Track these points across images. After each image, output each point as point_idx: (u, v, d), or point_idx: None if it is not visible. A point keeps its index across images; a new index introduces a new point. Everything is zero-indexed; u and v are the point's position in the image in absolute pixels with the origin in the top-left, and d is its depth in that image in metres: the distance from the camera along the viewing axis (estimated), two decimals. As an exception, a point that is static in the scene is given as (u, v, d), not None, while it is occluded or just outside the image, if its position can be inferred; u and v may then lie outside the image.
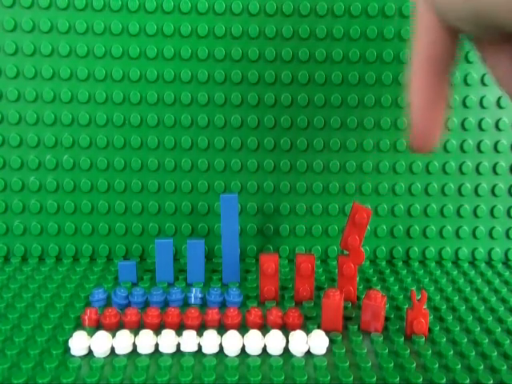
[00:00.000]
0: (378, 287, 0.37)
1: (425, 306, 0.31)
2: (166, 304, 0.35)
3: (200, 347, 0.29)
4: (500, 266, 0.41)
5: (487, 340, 0.31)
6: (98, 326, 0.31)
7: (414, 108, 0.25)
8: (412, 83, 0.25)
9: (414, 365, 0.28)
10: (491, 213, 0.42)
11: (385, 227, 0.42)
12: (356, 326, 0.32)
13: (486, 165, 0.42)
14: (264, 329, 0.31)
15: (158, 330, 0.30)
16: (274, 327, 0.31)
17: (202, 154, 0.41)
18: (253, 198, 0.42)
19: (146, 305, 0.34)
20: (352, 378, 0.27)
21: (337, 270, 0.36)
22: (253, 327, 0.31)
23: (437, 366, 0.28)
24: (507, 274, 0.40)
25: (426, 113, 0.25)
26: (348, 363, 0.28)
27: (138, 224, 0.42)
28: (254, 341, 0.29)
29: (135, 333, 0.30)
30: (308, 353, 0.29)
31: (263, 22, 0.40)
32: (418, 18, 0.23)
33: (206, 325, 0.31)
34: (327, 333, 0.31)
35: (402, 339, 0.31)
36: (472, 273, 0.40)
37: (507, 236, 0.42)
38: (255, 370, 0.28)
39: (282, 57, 0.40)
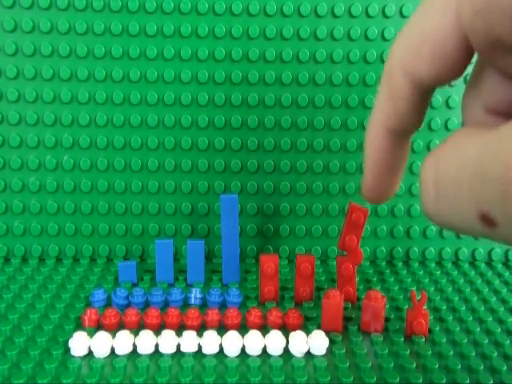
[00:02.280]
0: (378, 288, 0.37)
1: (425, 307, 0.31)
2: (166, 304, 0.35)
3: (200, 347, 0.29)
4: (500, 267, 0.41)
5: (487, 340, 0.31)
6: (98, 327, 0.31)
7: (368, 178, 0.23)
8: (368, 152, 0.23)
9: (414, 365, 0.28)
10: (491, 213, 0.42)
11: (385, 227, 0.42)
12: (356, 327, 0.32)
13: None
14: (264, 329, 0.31)
15: (158, 331, 0.30)
16: (273, 328, 0.31)
17: (202, 154, 0.41)
18: (253, 198, 0.42)
19: (146, 305, 0.35)
20: (352, 379, 0.27)
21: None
22: (253, 327, 0.31)
23: (437, 366, 0.28)
24: (507, 274, 0.40)
25: (380, 183, 0.23)
26: (348, 364, 0.28)
27: (138, 224, 0.42)
28: (254, 341, 0.29)
29: (135, 333, 0.30)
30: (308, 353, 0.29)
31: (263, 23, 0.40)
32: (389, 84, 0.21)
33: (206, 325, 0.32)
34: (327, 333, 0.31)
35: (402, 340, 0.31)
36: (472, 273, 0.40)
37: (507, 236, 0.42)
38: (255, 371, 0.28)
39: (283, 57, 0.40)
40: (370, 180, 0.23)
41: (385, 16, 0.40)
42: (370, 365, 0.28)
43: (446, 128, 0.41)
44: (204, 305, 0.35)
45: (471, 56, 0.19)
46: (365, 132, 0.23)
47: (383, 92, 0.21)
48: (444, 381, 0.27)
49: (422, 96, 0.20)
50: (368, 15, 0.40)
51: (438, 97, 0.41)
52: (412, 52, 0.19)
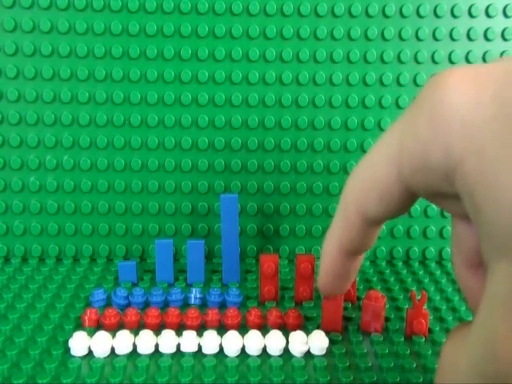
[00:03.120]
0: (378, 287, 0.37)
1: (425, 307, 0.31)
2: (166, 304, 0.35)
3: (200, 347, 0.29)
4: (500, 267, 0.41)
5: (487, 340, 0.31)
6: (98, 327, 0.31)
7: (321, 280, 0.26)
8: (322, 261, 0.25)
9: (414, 365, 0.28)
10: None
11: (385, 227, 0.42)
12: (356, 327, 0.32)
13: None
14: (264, 329, 0.31)
15: (158, 330, 0.30)
16: (273, 327, 0.31)
17: (202, 154, 0.41)
18: (253, 198, 0.42)
19: (146, 305, 0.35)
20: (352, 379, 0.27)
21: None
22: (253, 327, 0.31)
23: (437, 366, 0.28)
24: (507, 274, 0.40)
25: (332, 286, 0.26)
26: (348, 364, 0.28)
27: (138, 224, 0.42)
28: (253, 341, 0.29)
29: (135, 333, 0.30)
30: (308, 353, 0.29)
31: (263, 23, 0.40)
32: (344, 215, 0.23)
33: (206, 325, 0.31)
34: (327, 333, 0.31)
35: (402, 339, 0.31)
36: (472, 273, 0.40)
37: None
38: (255, 371, 0.28)
39: (283, 57, 0.40)
40: (322, 282, 0.26)
41: (385, 16, 0.40)
42: (370, 365, 0.28)
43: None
44: (204, 305, 0.35)
45: (416, 196, 0.21)
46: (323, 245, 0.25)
47: (339, 217, 0.24)
48: (444, 381, 0.27)
49: (372, 227, 0.23)
50: (368, 15, 0.40)
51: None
52: (362, 195, 0.22)
